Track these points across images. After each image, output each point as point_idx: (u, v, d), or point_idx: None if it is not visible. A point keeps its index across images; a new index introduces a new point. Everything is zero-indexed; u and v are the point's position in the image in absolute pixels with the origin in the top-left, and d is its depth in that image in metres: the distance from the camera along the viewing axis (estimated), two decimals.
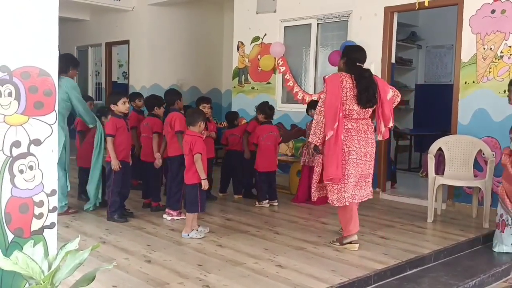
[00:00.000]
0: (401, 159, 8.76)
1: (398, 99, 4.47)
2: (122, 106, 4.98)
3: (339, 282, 3.42)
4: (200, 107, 5.68)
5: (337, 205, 4.25)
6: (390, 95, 4.32)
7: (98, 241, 4.24)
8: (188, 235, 4.41)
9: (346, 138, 4.15)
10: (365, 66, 5.83)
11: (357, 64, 4.28)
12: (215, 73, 10.52)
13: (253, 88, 7.98)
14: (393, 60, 6.59)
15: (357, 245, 4.24)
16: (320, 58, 7.31)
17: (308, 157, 5.91)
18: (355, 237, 4.27)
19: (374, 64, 6.42)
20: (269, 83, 7.80)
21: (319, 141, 4.24)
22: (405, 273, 3.87)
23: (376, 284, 3.61)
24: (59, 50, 7.88)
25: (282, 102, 7.68)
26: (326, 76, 4.51)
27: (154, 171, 5.51)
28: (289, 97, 7.62)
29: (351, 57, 4.33)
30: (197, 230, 4.47)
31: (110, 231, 4.57)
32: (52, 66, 2.22)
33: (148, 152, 5.57)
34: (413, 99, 9.67)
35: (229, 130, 6.44)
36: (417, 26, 9.35)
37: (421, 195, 6.07)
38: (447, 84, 6.15)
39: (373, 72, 6.26)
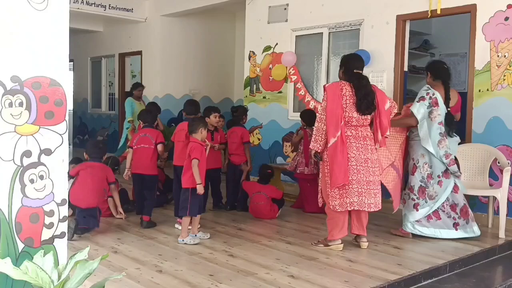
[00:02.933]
0: None
1: (395, 110, 4.67)
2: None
3: None
4: (211, 117, 5.68)
5: (339, 210, 4.33)
6: (388, 105, 4.49)
7: (109, 250, 4.24)
8: (183, 240, 4.46)
9: None
10: (377, 74, 5.86)
11: (355, 72, 4.42)
12: (227, 83, 10.56)
13: (264, 97, 7.98)
14: (405, 69, 6.55)
15: (341, 245, 4.39)
16: (332, 67, 7.29)
17: (308, 168, 5.89)
18: (338, 242, 4.41)
19: (386, 72, 6.40)
20: (280, 92, 7.79)
21: (320, 148, 4.39)
22: (419, 284, 3.80)
23: None
24: (72, 60, 8.16)
25: (293, 111, 7.66)
26: (326, 85, 4.59)
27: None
28: (301, 106, 7.59)
29: (349, 66, 4.50)
30: (195, 235, 4.49)
31: (122, 241, 4.57)
32: (63, 76, 2.23)
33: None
34: None
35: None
36: (430, 34, 9.28)
37: None
38: (461, 92, 6.08)
39: (385, 81, 6.40)
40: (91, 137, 12.22)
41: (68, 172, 3.85)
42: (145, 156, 5.31)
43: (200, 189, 4.46)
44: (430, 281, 3.88)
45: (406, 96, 6.82)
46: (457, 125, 5.05)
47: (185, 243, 4.44)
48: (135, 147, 5.37)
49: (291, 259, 4.12)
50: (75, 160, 5.89)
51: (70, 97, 2.28)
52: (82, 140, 12.63)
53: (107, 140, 11.57)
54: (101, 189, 4.90)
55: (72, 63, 12.92)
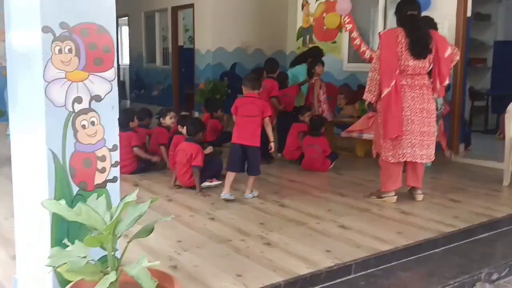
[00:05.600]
0: (477, 121, 8.29)
1: (457, 57, 4.41)
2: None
3: (405, 244, 3.32)
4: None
5: (392, 161, 4.22)
6: (449, 52, 4.25)
7: (165, 199, 4.37)
8: (252, 194, 4.44)
9: None
10: (438, 21, 5.51)
11: (409, 14, 4.20)
12: (280, 35, 10.35)
13: None
14: (469, 15, 6.14)
15: (395, 197, 4.31)
16: (389, 14, 6.96)
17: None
18: (392, 193, 4.32)
19: (448, 19, 6.03)
20: (334, 42, 7.57)
21: (374, 98, 4.27)
22: (477, 237, 3.68)
23: (445, 247, 3.47)
24: (126, 15, 8.19)
25: (348, 62, 7.45)
26: (381, 32, 4.37)
27: None
28: (356, 57, 7.36)
29: (403, 9, 4.28)
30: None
31: (177, 191, 4.68)
32: (110, 23, 2.23)
33: None
34: (491, 57, 9.01)
35: (281, 91, 6.23)
36: None
37: (497, 158, 5.69)
38: None
39: (446, 28, 6.04)
40: (147, 91, 12.49)
41: None
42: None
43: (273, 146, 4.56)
44: (487, 234, 3.75)
45: (469, 45, 6.43)
46: None
47: (253, 196, 4.42)
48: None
49: (343, 210, 4.09)
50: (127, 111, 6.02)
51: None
52: (138, 94, 12.93)
53: (163, 95, 11.80)
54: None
55: (126, 18, 13.09)
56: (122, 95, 13.91)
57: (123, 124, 5.35)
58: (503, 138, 5.39)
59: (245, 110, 4.40)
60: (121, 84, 13.97)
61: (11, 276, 2.53)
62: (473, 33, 7.25)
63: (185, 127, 4.99)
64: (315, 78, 6.35)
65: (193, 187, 4.60)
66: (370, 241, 3.37)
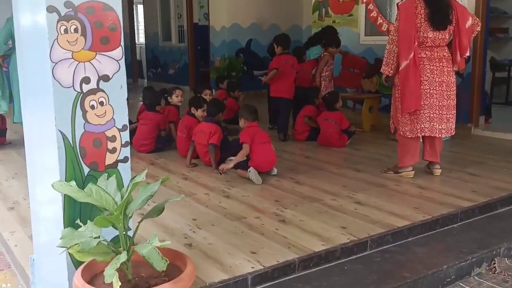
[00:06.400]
0: (498, 92, 8.09)
1: (478, 28, 4.21)
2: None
3: (421, 220, 3.27)
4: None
5: (409, 136, 4.14)
6: (470, 23, 4.09)
7: (180, 177, 4.38)
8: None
9: None
10: None
11: None
12: (295, 9, 10.17)
13: (334, 21, 7.62)
14: None
15: (412, 172, 4.25)
16: None
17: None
18: (409, 168, 4.25)
19: None
20: (351, 15, 7.40)
21: (392, 71, 4.15)
22: (496, 211, 3.61)
23: (463, 222, 3.41)
24: None
25: (365, 35, 7.28)
26: (400, 2, 4.22)
27: None
28: (373, 29, 7.20)
29: None
30: None
31: (192, 169, 4.68)
32: (115, 0, 2.19)
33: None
34: None
35: (299, 65, 6.13)
36: None
37: None
38: None
39: None
40: (164, 70, 12.47)
41: None
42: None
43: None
44: (507, 208, 3.67)
45: (490, 14, 6.22)
46: None
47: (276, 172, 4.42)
48: None
49: (359, 186, 4.04)
50: (148, 90, 6.04)
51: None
52: (155, 73, 12.92)
53: (179, 73, 11.77)
54: None
55: None
56: (139, 74, 13.95)
57: (150, 106, 5.42)
58: None
59: (261, 137, 4.40)
60: (138, 63, 13.98)
61: (28, 255, 2.56)
62: (494, 2, 7.01)
63: (199, 109, 5.04)
64: (324, 53, 6.25)
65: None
66: (386, 217, 3.33)
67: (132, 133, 4.31)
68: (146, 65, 13.67)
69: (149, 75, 13.33)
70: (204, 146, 4.65)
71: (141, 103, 6.17)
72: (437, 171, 4.29)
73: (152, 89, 6.09)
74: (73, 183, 2.00)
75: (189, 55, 11.40)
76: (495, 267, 2.94)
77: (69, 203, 2.12)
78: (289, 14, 10.09)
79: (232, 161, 4.37)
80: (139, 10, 14.08)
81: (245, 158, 4.33)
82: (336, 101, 5.68)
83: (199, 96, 5.81)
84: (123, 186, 2.19)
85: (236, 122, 6.40)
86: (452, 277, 2.80)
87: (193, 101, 5.23)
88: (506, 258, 3.02)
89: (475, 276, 2.88)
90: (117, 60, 2.22)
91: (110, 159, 2.23)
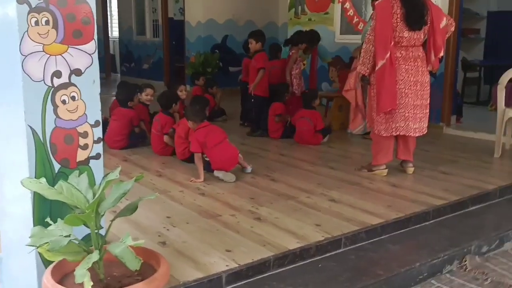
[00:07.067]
0: (469, 92, 8.24)
1: (452, 28, 4.28)
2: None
3: (395, 218, 3.30)
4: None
5: (384, 135, 4.18)
6: (444, 23, 4.14)
7: (154, 174, 4.32)
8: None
9: None
10: None
11: None
12: (271, 6, 10.14)
13: (310, 19, 7.65)
14: None
15: (386, 170, 4.29)
16: None
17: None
18: (383, 167, 4.29)
19: None
20: (327, 13, 7.43)
21: (368, 71, 4.18)
22: (467, 210, 3.67)
23: (435, 220, 3.46)
24: None
25: (340, 34, 7.32)
26: (376, 2, 4.25)
27: None
28: (348, 28, 7.24)
29: None
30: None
31: (167, 165, 4.63)
32: None
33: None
34: (484, 27, 8.91)
35: (271, 62, 6.14)
36: None
37: (489, 130, 5.65)
38: None
39: None
40: (138, 65, 12.30)
41: None
42: None
43: None
44: (478, 206, 3.74)
45: (462, 15, 6.33)
46: None
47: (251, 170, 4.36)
48: None
49: (333, 183, 4.06)
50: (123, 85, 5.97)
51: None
52: (129, 68, 12.74)
53: (153, 68, 11.63)
54: None
55: None
56: (112, 69, 13.73)
57: (123, 102, 5.33)
58: (495, 109, 5.35)
59: (214, 138, 4.20)
60: (111, 57, 13.76)
61: None
62: (466, 3, 7.13)
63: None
64: (293, 51, 6.23)
65: (186, 160, 4.56)
66: (360, 214, 3.35)
67: (104, 129, 4.24)
68: (120, 60, 13.46)
69: (123, 69, 13.13)
70: (182, 140, 4.64)
71: (114, 98, 6.07)
72: (410, 170, 4.34)
73: (126, 85, 5.99)
74: (43, 180, 1.94)
75: (163, 50, 11.28)
76: (466, 264, 2.99)
77: (39, 200, 2.05)
78: (265, 11, 10.06)
79: (200, 173, 4.14)
80: (113, 3, 13.84)
81: (205, 161, 4.20)
82: (314, 98, 5.69)
83: (168, 91, 5.75)
84: (95, 184, 2.14)
85: (211, 118, 6.40)
86: (425, 274, 2.84)
87: (161, 98, 5.22)
88: (476, 256, 3.07)
89: (446, 274, 2.93)
90: (89, 54, 2.16)
91: (81, 155, 2.17)
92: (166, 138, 4.93)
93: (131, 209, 2.00)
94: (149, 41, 11.86)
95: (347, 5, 7.11)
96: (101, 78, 2.27)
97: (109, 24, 13.84)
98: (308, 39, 6.46)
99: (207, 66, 9.24)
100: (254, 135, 5.87)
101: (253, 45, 5.94)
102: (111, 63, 13.74)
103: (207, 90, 7.00)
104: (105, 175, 1.98)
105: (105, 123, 4.55)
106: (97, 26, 2.23)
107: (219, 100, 7.07)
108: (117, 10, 13.24)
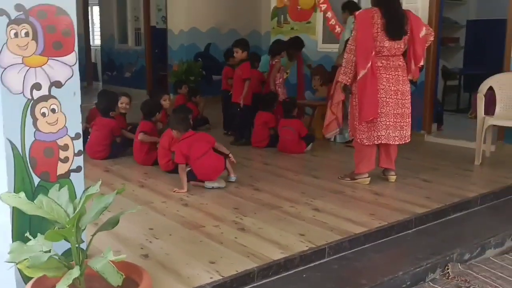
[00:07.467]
0: (450, 100, 8.36)
1: (431, 38, 4.35)
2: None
3: (377, 226, 3.32)
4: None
5: (366, 144, 4.21)
6: (424, 33, 4.20)
7: (137, 185, 4.28)
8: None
9: None
10: (411, 0, 5.46)
11: None
12: (254, 14, 10.19)
13: (292, 28, 7.68)
14: None
15: (368, 179, 4.30)
16: None
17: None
18: (365, 175, 4.31)
19: None
20: (309, 22, 7.48)
21: (349, 80, 4.22)
22: (448, 217, 3.71)
23: (417, 228, 3.48)
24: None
25: (323, 43, 7.37)
26: (357, 12, 4.30)
27: None
28: (331, 37, 7.29)
29: None
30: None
31: (149, 175, 4.59)
32: (69, 4, 2.11)
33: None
34: (463, 36, 9.06)
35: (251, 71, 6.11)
36: None
37: (469, 137, 5.74)
38: (502, 19, 5.69)
39: (420, 8, 6.00)
40: (119, 73, 12.23)
41: None
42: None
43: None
44: (459, 214, 3.78)
45: (442, 24, 6.43)
46: None
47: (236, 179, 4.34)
48: None
49: (317, 192, 4.07)
50: (103, 93, 5.93)
51: (75, 32, 2.14)
52: (110, 76, 12.66)
53: (136, 76, 11.57)
54: None
55: None
56: (94, 77, 13.63)
57: (104, 111, 5.27)
58: (475, 117, 5.43)
59: (199, 149, 4.13)
60: (92, 66, 13.67)
61: None
62: (446, 12, 7.25)
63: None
64: (276, 60, 6.26)
65: (170, 171, 4.53)
66: (344, 223, 3.36)
67: (85, 139, 4.18)
68: (102, 68, 13.37)
69: (105, 78, 13.04)
70: (165, 150, 4.62)
71: (92, 107, 6.00)
72: (392, 178, 4.37)
73: (107, 94, 5.94)
74: (22, 194, 1.91)
75: (146, 58, 11.23)
76: (448, 272, 3.01)
77: (18, 215, 2.01)
78: (248, 20, 10.09)
79: (183, 183, 4.09)
80: (95, 11, 13.76)
81: (187, 171, 4.14)
82: (294, 107, 5.72)
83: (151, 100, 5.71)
84: (76, 197, 2.11)
85: (195, 127, 6.38)
86: (408, 283, 2.85)
87: (144, 107, 5.19)
88: (459, 264, 3.10)
89: (429, 282, 2.94)
90: (70, 66, 2.14)
91: (62, 168, 2.15)
92: (141, 136, 4.89)
93: (113, 223, 1.98)
94: (131, 49, 11.80)
95: (329, 14, 7.17)
96: (82, 87, 2.26)
97: (90, 32, 13.76)
98: (290, 45, 6.49)
99: (190, 74, 9.23)
100: (237, 144, 5.87)
101: (239, 54, 5.94)
102: (93, 71, 13.64)
103: (190, 98, 6.98)
104: (86, 189, 1.96)
105: (86, 133, 4.49)
106: (79, 35, 2.21)
107: (203, 109, 7.06)
108: (99, 18, 13.17)
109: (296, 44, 6.68)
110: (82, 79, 2.29)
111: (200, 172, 4.13)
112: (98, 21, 13.26)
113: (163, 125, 5.39)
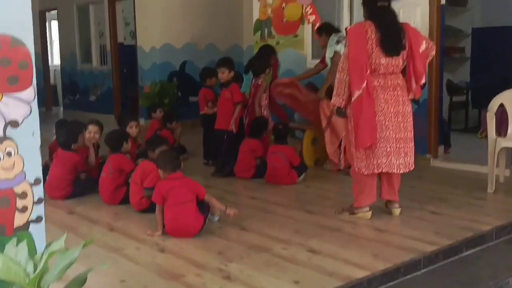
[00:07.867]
0: (457, 118, 8.49)
1: (433, 52, 4.41)
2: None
3: (382, 269, 3.33)
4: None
5: (365, 173, 4.24)
6: (424, 47, 4.26)
7: (106, 228, 4.26)
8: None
9: None
10: (409, 10, 5.57)
11: (379, 5, 4.20)
12: (235, 27, 10.32)
13: (278, 42, 7.79)
14: (443, 1, 6.27)
15: (370, 213, 4.33)
16: (355, 4, 7.04)
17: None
18: (366, 209, 4.34)
19: (420, 7, 6.14)
20: (296, 36, 7.60)
21: (343, 102, 4.24)
22: (461, 255, 3.74)
23: (426, 269, 3.51)
24: (55, 9, 7.88)
25: (312, 58, 7.48)
26: (349, 27, 4.37)
27: None
28: (320, 52, 7.39)
29: (372, 1, 4.25)
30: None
31: (119, 216, 4.58)
32: (26, 33, 2.13)
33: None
34: (469, 46, 9.23)
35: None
36: None
37: (480, 161, 5.81)
38: (510, 26, 5.81)
39: (419, 17, 6.14)
40: (83, 96, 12.22)
41: None
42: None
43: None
44: (473, 250, 3.82)
45: (444, 33, 6.57)
46: None
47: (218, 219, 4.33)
48: None
49: (312, 230, 4.08)
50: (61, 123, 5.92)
51: (32, 56, 2.16)
52: (73, 100, 12.64)
53: (102, 100, 11.57)
54: None
55: (55, 12, 12.79)
56: (54, 101, 13.60)
57: (64, 145, 5.24)
58: (486, 136, 5.50)
59: (177, 196, 3.99)
60: (52, 89, 13.66)
61: None
62: (448, 19, 7.40)
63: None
64: (260, 80, 6.33)
65: (143, 211, 4.52)
66: (343, 266, 3.37)
67: (44, 175, 4.14)
68: (62, 91, 13.36)
69: (66, 102, 13.02)
70: (137, 185, 4.63)
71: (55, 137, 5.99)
72: (396, 211, 4.40)
73: (67, 124, 5.92)
74: None
75: (113, 79, 11.26)
76: None
77: None
78: (228, 33, 10.20)
79: (159, 225, 4.04)
80: (53, 27, 13.81)
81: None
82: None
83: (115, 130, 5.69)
84: (36, 252, 2.09)
85: None
86: None
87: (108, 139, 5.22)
88: None
89: None
90: (28, 102, 2.14)
91: (20, 220, 2.13)
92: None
93: (79, 282, 1.96)
94: (96, 69, 11.84)
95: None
96: (41, 113, 2.25)
97: (49, 51, 13.78)
98: (268, 57, 6.59)
99: (164, 96, 9.26)
100: (219, 175, 5.88)
101: (226, 75, 5.98)
102: (52, 95, 13.62)
103: (166, 125, 7.00)
104: (48, 245, 1.95)
105: (45, 169, 4.46)
106: (36, 54, 2.22)
107: (179, 136, 7.07)
108: (58, 35, 13.21)
109: (272, 53, 6.78)
110: (40, 104, 2.29)
111: (169, 224, 3.97)
112: (58, 37, 13.29)
113: (131, 156, 5.39)
